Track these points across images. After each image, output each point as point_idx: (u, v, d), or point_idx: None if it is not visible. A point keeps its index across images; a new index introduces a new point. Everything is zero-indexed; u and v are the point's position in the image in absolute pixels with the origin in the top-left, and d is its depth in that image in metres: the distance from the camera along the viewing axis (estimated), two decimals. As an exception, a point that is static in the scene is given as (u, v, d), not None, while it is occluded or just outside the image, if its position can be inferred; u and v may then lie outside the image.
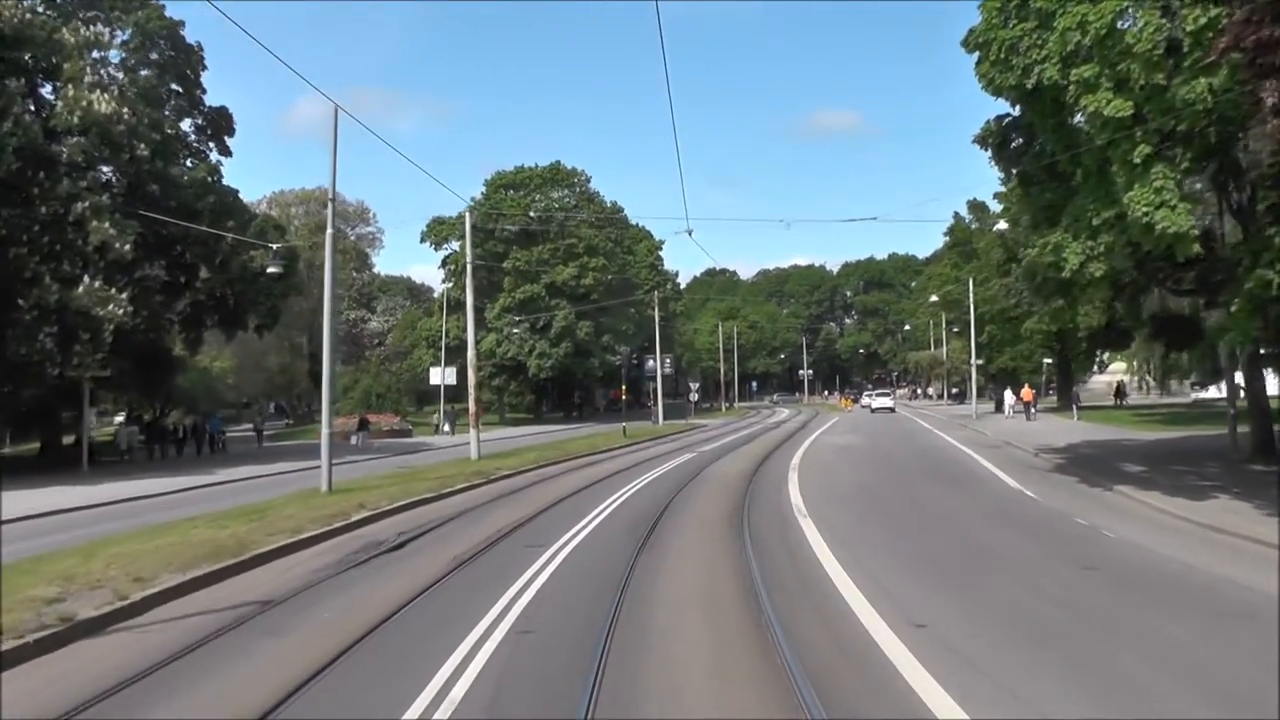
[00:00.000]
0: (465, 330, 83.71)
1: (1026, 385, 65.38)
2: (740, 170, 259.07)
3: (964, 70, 36.54)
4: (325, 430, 24.19)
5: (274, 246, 34.05)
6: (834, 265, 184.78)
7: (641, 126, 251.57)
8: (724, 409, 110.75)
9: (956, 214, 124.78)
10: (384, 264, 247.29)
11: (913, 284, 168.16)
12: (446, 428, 67.64)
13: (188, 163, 43.71)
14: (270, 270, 35.39)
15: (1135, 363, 75.62)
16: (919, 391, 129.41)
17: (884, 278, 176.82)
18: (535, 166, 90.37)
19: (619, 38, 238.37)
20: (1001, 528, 17.76)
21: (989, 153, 25.32)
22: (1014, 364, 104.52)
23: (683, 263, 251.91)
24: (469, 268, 37.13)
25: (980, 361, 64.35)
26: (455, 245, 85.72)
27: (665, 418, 68.66)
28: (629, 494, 23.33)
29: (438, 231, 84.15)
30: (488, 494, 24.19)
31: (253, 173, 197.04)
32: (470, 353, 37.13)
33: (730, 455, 36.25)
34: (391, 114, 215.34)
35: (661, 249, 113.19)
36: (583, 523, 18.32)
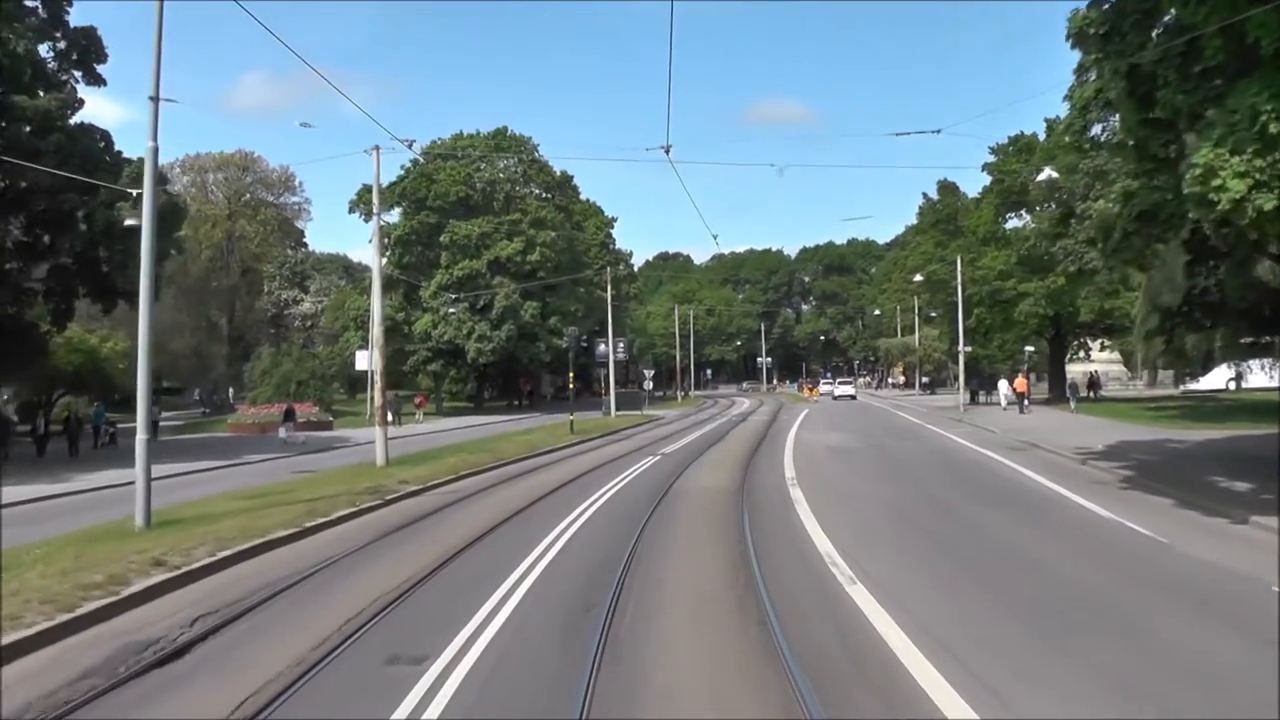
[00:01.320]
0: (399, 307, 77.08)
1: (1020, 376, 59.15)
2: (689, 154, 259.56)
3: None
4: (141, 436, 16.77)
5: (134, 194, 26.56)
6: (792, 250, 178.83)
7: (599, 108, 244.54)
8: (679, 398, 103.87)
9: (925, 195, 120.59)
10: (323, 244, 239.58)
11: (873, 270, 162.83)
12: (390, 416, 60.15)
13: (42, 93, 35.99)
14: (129, 224, 27.82)
15: (1141, 352, 69.63)
16: (885, 380, 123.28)
17: (844, 262, 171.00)
18: (478, 133, 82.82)
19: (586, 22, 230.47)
20: (1162, 601, 11.04)
21: (1082, 51, 18.35)
22: (986, 352, 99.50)
23: (634, 245, 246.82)
24: (375, 219, 29.75)
25: (969, 348, 58.02)
26: (391, 217, 78.22)
27: (618, 408, 61.72)
28: (571, 531, 16.26)
29: (367, 200, 76.14)
30: (369, 531, 16.87)
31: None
32: (375, 328, 30.04)
33: (702, 461, 29.38)
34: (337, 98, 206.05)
35: (614, 226, 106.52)
36: (491, 602, 11.22)
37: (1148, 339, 45.69)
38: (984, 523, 17.03)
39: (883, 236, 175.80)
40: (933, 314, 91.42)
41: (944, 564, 13.29)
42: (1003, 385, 63.76)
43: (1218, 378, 73.45)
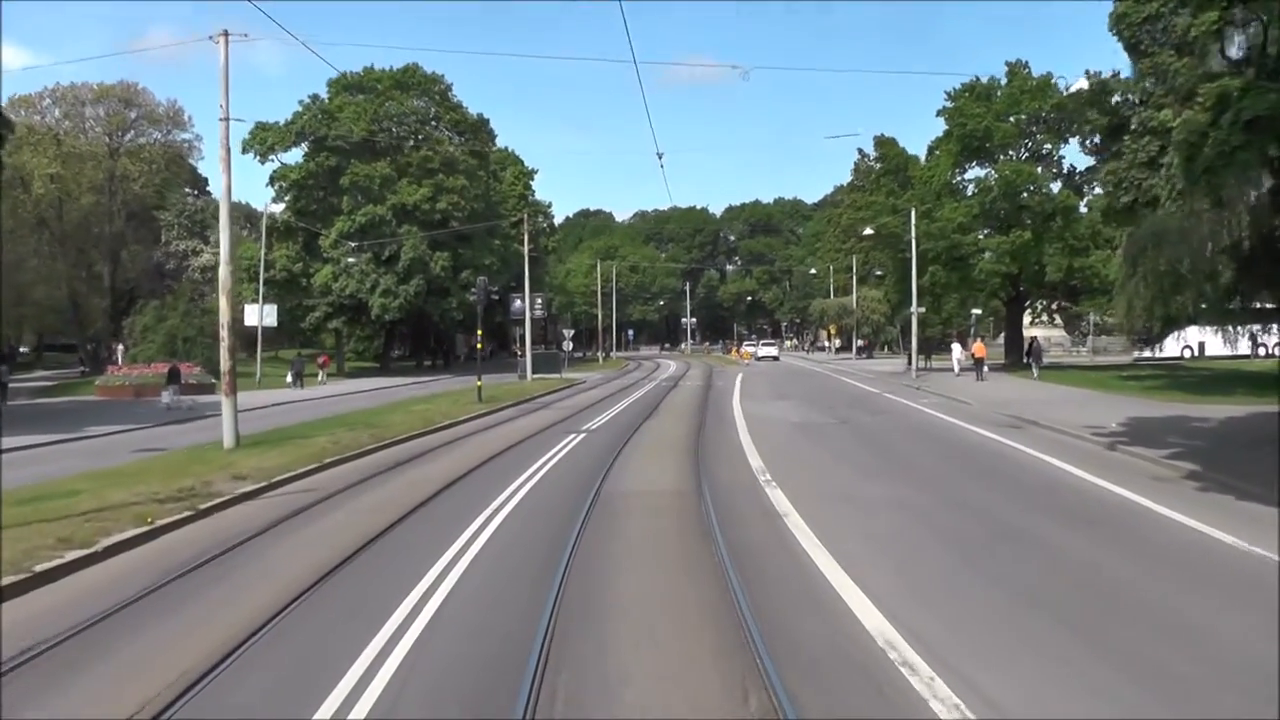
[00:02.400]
0: (296, 257, 69.82)
1: (980, 339, 54.32)
2: (602, 113, 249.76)
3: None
4: None
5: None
6: (717, 209, 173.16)
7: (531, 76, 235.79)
8: (601, 360, 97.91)
9: (860, 150, 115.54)
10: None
11: (800, 230, 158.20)
12: (291, 380, 53.93)
13: None
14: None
15: (1121, 315, 65.12)
16: (817, 344, 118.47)
17: (771, 222, 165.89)
18: (388, 69, 75.50)
19: None
20: None
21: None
22: (939, 316, 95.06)
23: (555, 203, 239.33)
24: (225, 125, 22.64)
25: (922, 309, 52.94)
26: (292, 158, 70.89)
27: (535, 370, 55.61)
28: (447, 586, 10.22)
29: (262, 139, 68.67)
30: (133, 580, 10.71)
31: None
32: (223, 269, 23.26)
33: (636, 444, 23.49)
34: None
35: (534, 177, 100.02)
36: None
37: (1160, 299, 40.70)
38: (1070, 554, 11.49)
39: (810, 196, 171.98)
40: (877, 273, 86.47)
41: (1095, 668, 7.60)
42: (956, 349, 59.02)
43: (1173, 346, 69.72)
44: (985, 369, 51.49)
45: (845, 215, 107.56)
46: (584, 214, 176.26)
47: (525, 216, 57.63)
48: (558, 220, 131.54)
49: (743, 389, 43.98)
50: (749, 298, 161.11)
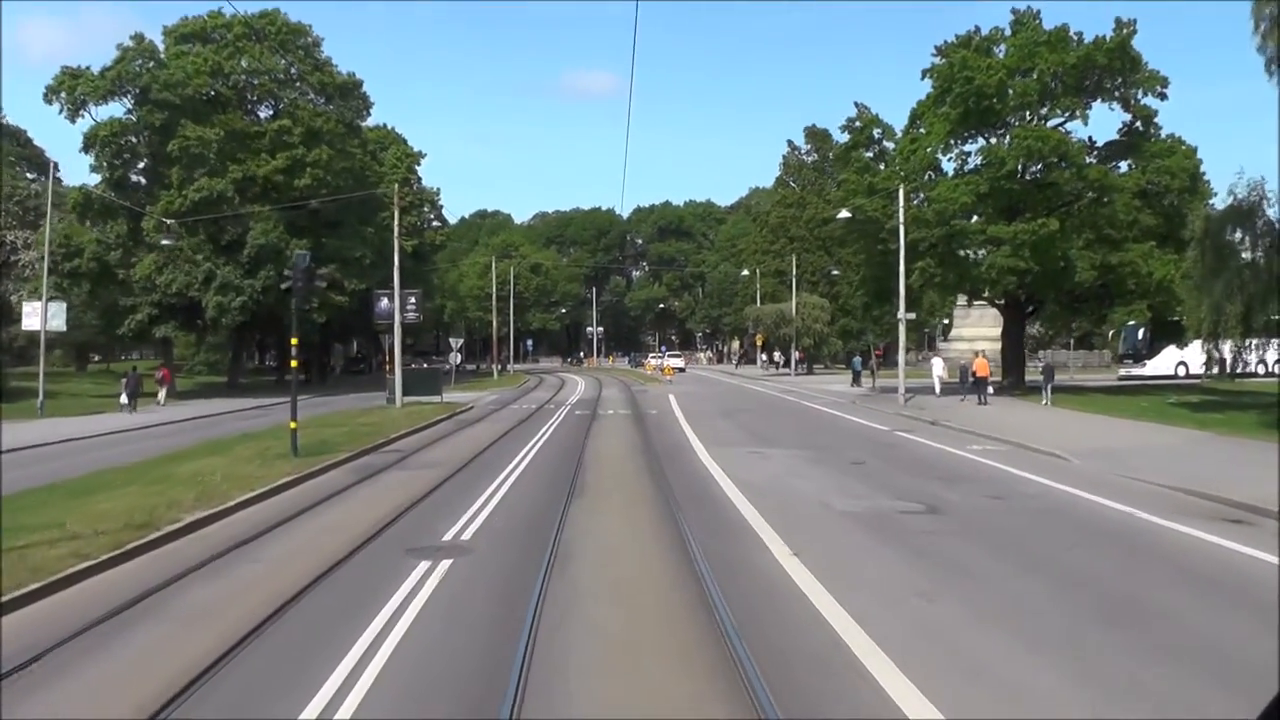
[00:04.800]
0: (114, 243, 54.58)
1: (982, 355, 42.81)
2: (494, 128, 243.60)
3: None
4: None
5: None
6: (625, 211, 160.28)
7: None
8: (496, 374, 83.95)
9: (790, 142, 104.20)
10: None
11: (713, 235, 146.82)
12: (125, 400, 41.61)
13: None
14: None
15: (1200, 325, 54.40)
16: (742, 355, 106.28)
17: (682, 225, 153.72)
18: (239, 15, 61.20)
19: None
20: None
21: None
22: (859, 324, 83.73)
23: (446, 202, 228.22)
24: None
25: (912, 315, 41.07)
26: (114, 111, 56.31)
27: (410, 391, 42.02)
28: None
29: (70, 87, 53.79)
30: None
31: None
32: None
33: (569, 596, 10.67)
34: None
35: (420, 161, 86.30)
36: None
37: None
38: None
39: (724, 199, 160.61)
40: (833, 271, 74.72)
41: None
42: (937, 364, 47.65)
43: (1165, 362, 59.60)
44: (990, 390, 40.45)
45: (774, 213, 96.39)
46: (480, 215, 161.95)
47: (395, 188, 43.93)
48: (451, 223, 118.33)
49: (692, 425, 31.42)
50: (659, 305, 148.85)
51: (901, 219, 39.74)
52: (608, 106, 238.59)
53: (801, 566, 10.86)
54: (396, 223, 41.69)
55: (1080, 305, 45.47)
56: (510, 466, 20.47)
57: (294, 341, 22.27)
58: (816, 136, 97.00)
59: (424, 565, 11.19)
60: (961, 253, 42.39)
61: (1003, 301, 46.44)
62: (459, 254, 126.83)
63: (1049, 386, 39.77)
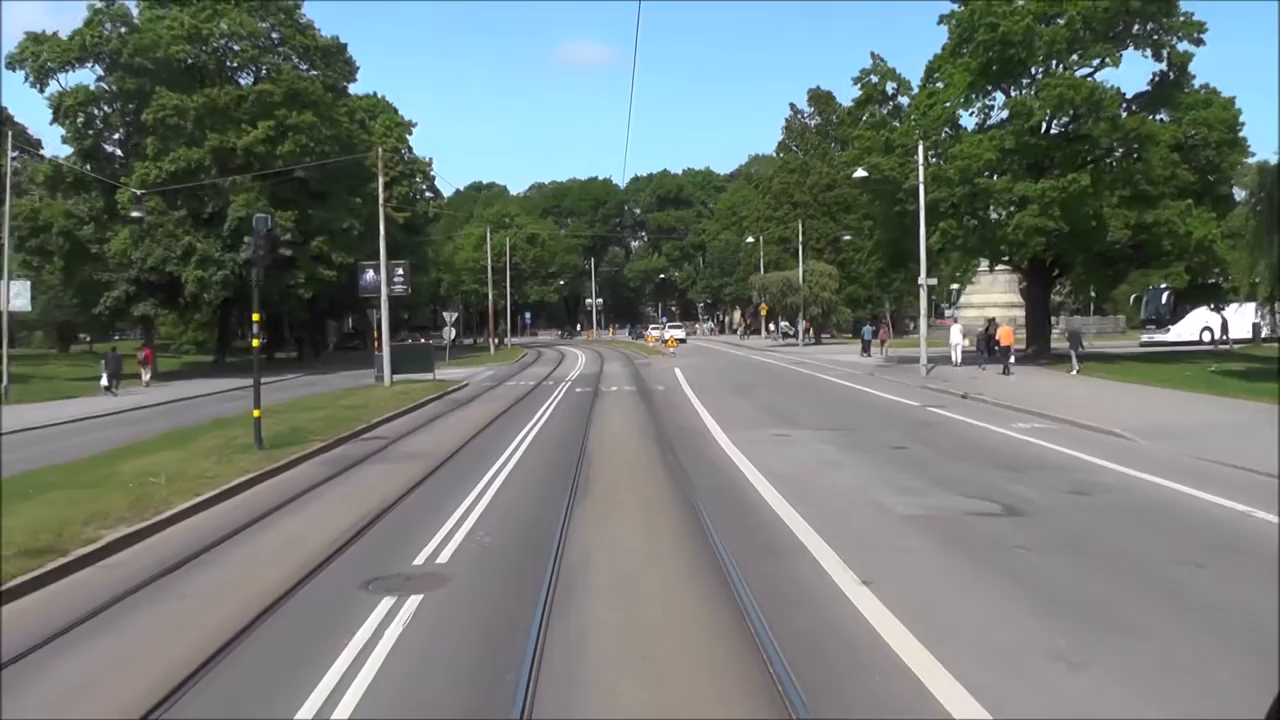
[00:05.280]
0: (86, 216, 51.47)
1: (1004, 324, 40.34)
2: (487, 101, 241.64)
3: None
4: None
5: None
6: (622, 180, 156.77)
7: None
8: (493, 349, 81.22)
9: (793, 105, 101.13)
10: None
11: (713, 204, 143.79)
12: (105, 381, 39.60)
13: None
14: None
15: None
16: (751, 327, 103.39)
17: (681, 194, 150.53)
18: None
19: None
20: None
21: None
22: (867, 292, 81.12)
23: (440, 177, 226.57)
24: None
25: (933, 280, 38.47)
26: (82, 77, 53.45)
27: (399, 369, 39.37)
28: None
29: (35, 54, 50.95)
30: None
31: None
32: None
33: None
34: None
35: (412, 131, 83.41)
36: None
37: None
38: None
39: (722, 167, 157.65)
40: (845, 237, 71.94)
41: None
42: (955, 332, 45.14)
43: (1190, 327, 56.99)
44: (1013, 360, 38.05)
45: (777, 179, 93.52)
46: (476, 187, 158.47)
47: (379, 151, 41.02)
48: (446, 196, 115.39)
49: (704, 402, 28.90)
50: (659, 276, 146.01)
51: (922, 177, 37.11)
52: (602, 78, 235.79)
53: (878, 604, 8.33)
54: (381, 187, 38.93)
55: (1110, 267, 42.75)
56: (503, 457, 17.93)
57: (256, 318, 19.90)
58: (820, 99, 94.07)
59: (385, 605, 8.67)
60: (983, 213, 39.69)
61: (1025, 265, 43.76)
62: (455, 227, 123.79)
63: (1076, 354, 37.37)
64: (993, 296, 71.92)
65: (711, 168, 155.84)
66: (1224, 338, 53.24)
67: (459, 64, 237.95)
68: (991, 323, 45.66)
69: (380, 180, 38.75)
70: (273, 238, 18.49)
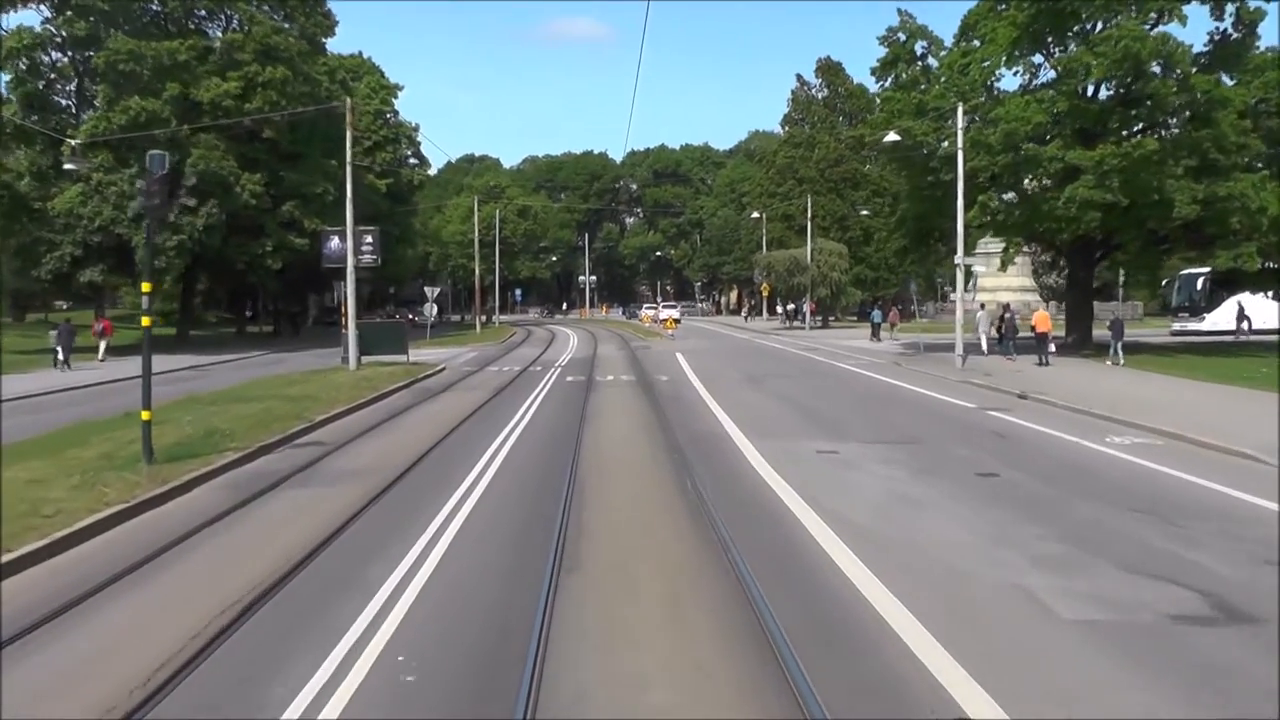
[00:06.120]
0: (25, 169, 45.56)
1: (1042, 309, 36.05)
2: (481, 75, 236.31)
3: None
4: None
5: None
6: (618, 154, 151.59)
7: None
8: (479, 327, 76.34)
9: (799, 76, 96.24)
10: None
11: (711, 180, 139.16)
12: (60, 355, 36.56)
13: None
14: None
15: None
16: (750, 307, 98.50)
17: (679, 169, 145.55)
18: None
19: None
20: None
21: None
22: (874, 273, 76.88)
23: (431, 151, 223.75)
24: None
25: (970, 262, 33.86)
26: (26, 19, 48.42)
27: (371, 349, 34.86)
28: None
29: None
30: None
31: None
32: None
33: None
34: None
35: (398, 95, 78.64)
36: None
37: None
38: None
39: (722, 143, 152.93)
40: (863, 212, 67.35)
41: None
42: (982, 317, 40.89)
43: (1227, 315, 52.69)
44: (1052, 349, 33.89)
45: (782, 153, 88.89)
46: (468, 159, 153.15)
47: (348, 103, 35.88)
48: (437, 169, 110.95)
49: (717, 398, 24.53)
50: (655, 254, 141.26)
51: (960, 143, 32.63)
52: (596, 53, 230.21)
53: None
54: (349, 141, 34.01)
55: (1167, 247, 38.34)
56: (465, 485, 13.44)
57: (146, 288, 15.29)
58: (829, 71, 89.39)
59: None
60: (1022, 186, 35.30)
61: (1066, 244, 39.27)
62: (445, 199, 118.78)
63: (1119, 344, 33.09)
64: (1004, 280, 67.37)
65: (710, 143, 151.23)
66: (1242, 327, 49.26)
67: (450, 36, 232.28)
68: (1006, 308, 41.36)
69: (349, 133, 33.89)
70: (171, 181, 13.96)
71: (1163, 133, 34.48)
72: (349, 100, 36.52)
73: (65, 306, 73.04)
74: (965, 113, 33.76)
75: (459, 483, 13.34)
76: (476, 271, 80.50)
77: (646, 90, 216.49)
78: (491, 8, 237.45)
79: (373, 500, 12.34)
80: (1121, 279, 61.65)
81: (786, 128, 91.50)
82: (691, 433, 18.34)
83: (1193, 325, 53.82)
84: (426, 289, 57.78)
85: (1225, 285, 51.48)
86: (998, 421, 20.19)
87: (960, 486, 13.28)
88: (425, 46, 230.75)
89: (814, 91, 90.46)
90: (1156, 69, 32.38)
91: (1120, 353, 32.83)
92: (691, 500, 12.40)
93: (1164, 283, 63.09)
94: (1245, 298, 49.40)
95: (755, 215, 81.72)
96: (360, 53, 78.42)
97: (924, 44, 39.85)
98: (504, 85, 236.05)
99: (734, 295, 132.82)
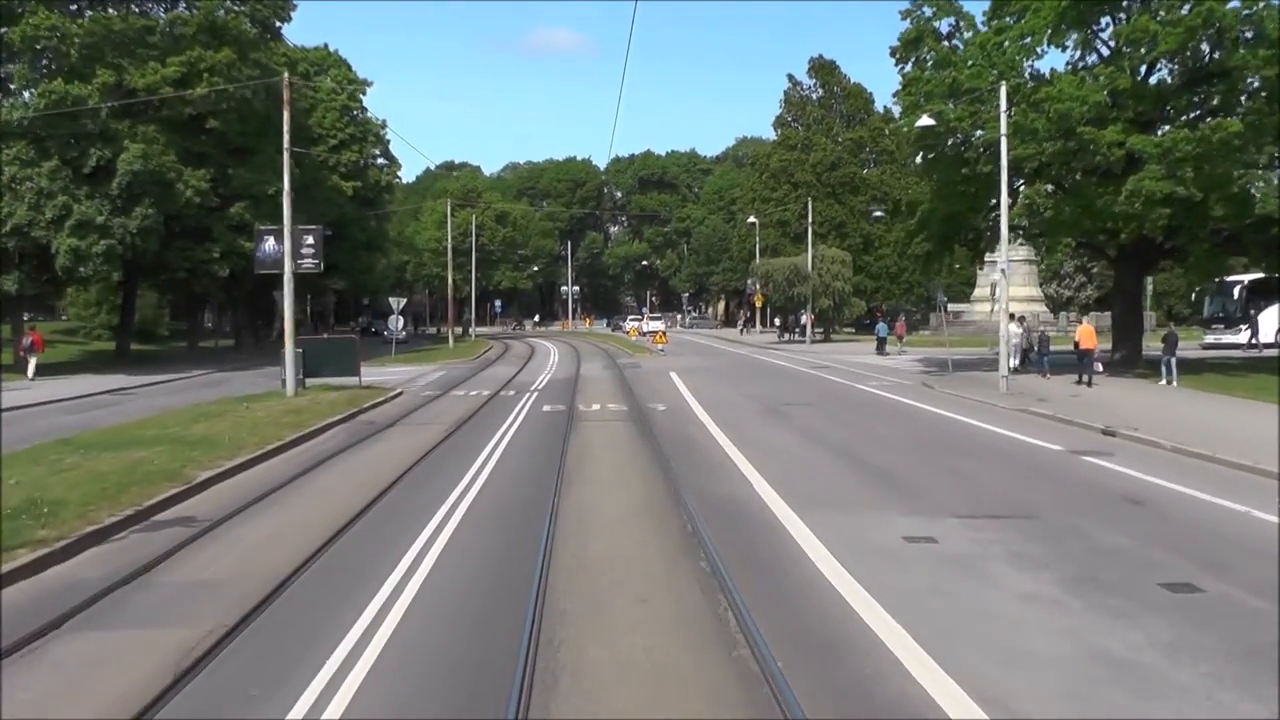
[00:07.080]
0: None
1: (1086, 322, 31.09)
2: (461, 84, 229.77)
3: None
4: None
5: None
6: (602, 161, 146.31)
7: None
8: (452, 342, 70.52)
9: (791, 76, 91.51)
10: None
11: (698, 187, 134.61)
12: None
13: None
14: None
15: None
16: (749, 320, 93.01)
17: (665, 176, 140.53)
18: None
19: None
20: None
21: None
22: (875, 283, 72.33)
23: (407, 157, 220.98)
24: None
25: (1013, 257, 28.86)
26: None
27: (319, 369, 29.59)
28: None
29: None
30: None
31: None
32: None
33: None
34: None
35: (366, 91, 73.30)
36: None
37: None
38: None
39: (708, 150, 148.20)
40: (879, 212, 62.31)
41: None
42: (1011, 329, 35.74)
43: (1267, 326, 48.17)
44: (1100, 368, 29.24)
45: (775, 156, 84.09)
46: (447, 166, 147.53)
47: (286, 79, 30.33)
48: (415, 174, 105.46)
49: (733, 438, 19.45)
50: (640, 263, 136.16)
51: (1004, 128, 27.70)
52: (576, 62, 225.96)
53: None
54: (287, 122, 28.63)
55: (1233, 249, 33.48)
56: (368, 614, 8.32)
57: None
58: (822, 70, 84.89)
59: None
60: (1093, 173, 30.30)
61: (1118, 247, 34.26)
62: (423, 206, 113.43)
63: (1173, 361, 28.33)
64: (1010, 290, 62.66)
65: (698, 150, 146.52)
66: (1254, 341, 45.83)
67: (430, 45, 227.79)
68: (1020, 320, 36.50)
69: (286, 112, 28.49)
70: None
71: (1239, 115, 29.55)
72: (286, 75, 31.07)
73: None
74: (1009, 94, 28.83)
75: (348, 625, 8.11)
76: (450, 280, 75.02)
77: (631, 97, 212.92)
78: (472, 18, 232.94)
79: (189, 672, 7.10)
80: (1150, 286, 56.67)
81: (779, 130, 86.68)
82: (715, 504, 13.04)
83: (1229, 338, 49.23)
84: (391, 300, 52.40)
85: (1264, 294, 47.38)
86: (1110, 476, 15.09)
87: (1158, 616, 8.10)
88: (404, 54, 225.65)
89: (808, 92, 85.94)
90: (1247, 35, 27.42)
91: (1173, 371, 28.22)
92: (748, 670, 7.21)
93: (1195, 291, 58.43)
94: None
95: (751, 220, 76.52)
96: (326, 45, 73.34)
97: (951, 20, 34.99)
98: (485, 95, 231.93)
99: (721, 306, 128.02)
